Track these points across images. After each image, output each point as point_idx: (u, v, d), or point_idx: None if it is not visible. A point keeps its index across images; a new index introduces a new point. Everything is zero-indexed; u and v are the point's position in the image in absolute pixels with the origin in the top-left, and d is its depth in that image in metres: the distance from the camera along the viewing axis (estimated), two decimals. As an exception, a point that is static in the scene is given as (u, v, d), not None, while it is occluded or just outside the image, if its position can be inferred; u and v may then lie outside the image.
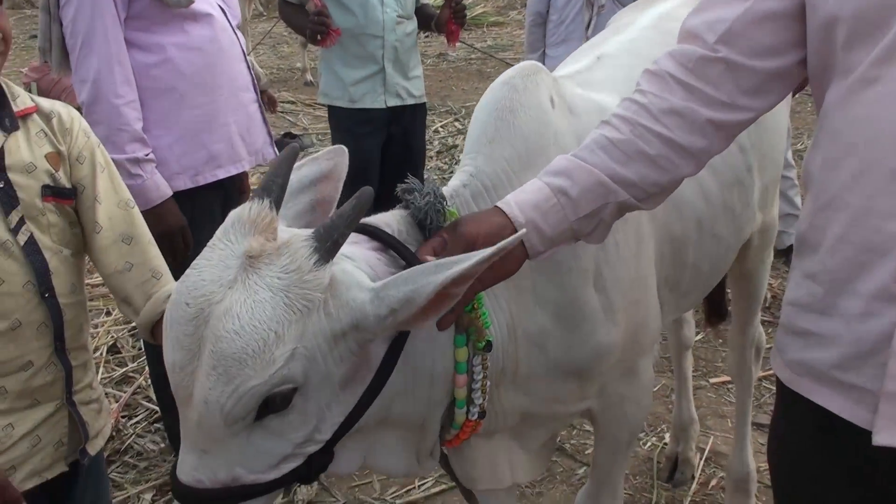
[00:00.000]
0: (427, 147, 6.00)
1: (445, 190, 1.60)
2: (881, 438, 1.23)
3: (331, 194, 1.58)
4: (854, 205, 1.27)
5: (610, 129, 1.47)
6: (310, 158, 1.62)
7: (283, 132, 6.83)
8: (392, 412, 1.52)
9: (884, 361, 1.23)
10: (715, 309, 3.00)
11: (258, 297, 1.22)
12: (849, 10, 1.24)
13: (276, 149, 2.92)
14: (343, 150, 1.60)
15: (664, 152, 1.43)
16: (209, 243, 1.32)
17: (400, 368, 1.43)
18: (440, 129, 6.80)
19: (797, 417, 1.42)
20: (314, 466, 1.38)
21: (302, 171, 1.57)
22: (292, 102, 8.04)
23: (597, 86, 1.95)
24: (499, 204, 1.45)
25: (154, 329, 1.80)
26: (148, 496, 3.03)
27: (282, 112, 7.28)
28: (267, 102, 6.07)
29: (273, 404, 1.26)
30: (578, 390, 1.81)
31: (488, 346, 1.54)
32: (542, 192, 1.44)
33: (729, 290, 2.91)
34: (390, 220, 1.53)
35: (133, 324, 2.59)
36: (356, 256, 1.40)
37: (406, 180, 1.52)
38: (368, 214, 1.47)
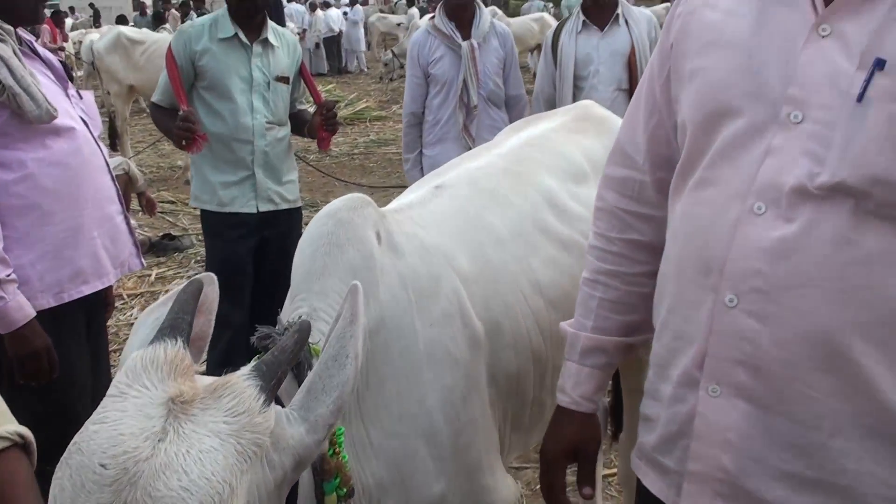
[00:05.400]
0: (309, 245, 6.01)
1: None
2: None
3: (203, 329, 1.44)
4: (672, 294, 1.39)
5: (604, 289, 1.61)
6: (175, 292, 1.49)
7: (161, 234, 6.69)
8: None
9: (688, 444, 1.32)
10: (617, 423, 3.00)
11: (204, 445, 1.07)
12: (690, 116, 1.35)
13: (142, 259, 2.86)
14: (212, 278, 1.47)
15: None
16: (114, 391, 1.13)
17: None
18: (323, 227, 6.78)
19: (643, 502, 1.49)
20: None
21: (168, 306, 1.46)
22: (172, 202, 7.89)
23: (428, 221, 1.93)
24: (564, 406, 1.61)
25: None
26: None
27: (161, 213, 7.15)
28: (146, 205, 6.07)
29: None
30: None
31: (351, 492, 1.48)
32: (594, 374, 1.62)
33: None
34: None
35: None
36: None
37: (257, 329, 1.49)
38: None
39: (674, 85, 1.41)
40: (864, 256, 1.16)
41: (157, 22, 14.98)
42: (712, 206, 1.29)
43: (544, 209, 2.16)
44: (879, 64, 1.13)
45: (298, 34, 17.98)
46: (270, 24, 3.63)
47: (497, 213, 2.05)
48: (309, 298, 1.61)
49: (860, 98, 1.14)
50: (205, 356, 1.56)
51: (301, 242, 1.73)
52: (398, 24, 20.75)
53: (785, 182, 1.20)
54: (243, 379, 1.15)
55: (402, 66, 15.09)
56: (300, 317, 1.56)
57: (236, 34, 3.50)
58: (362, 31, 20.48)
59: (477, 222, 2.00)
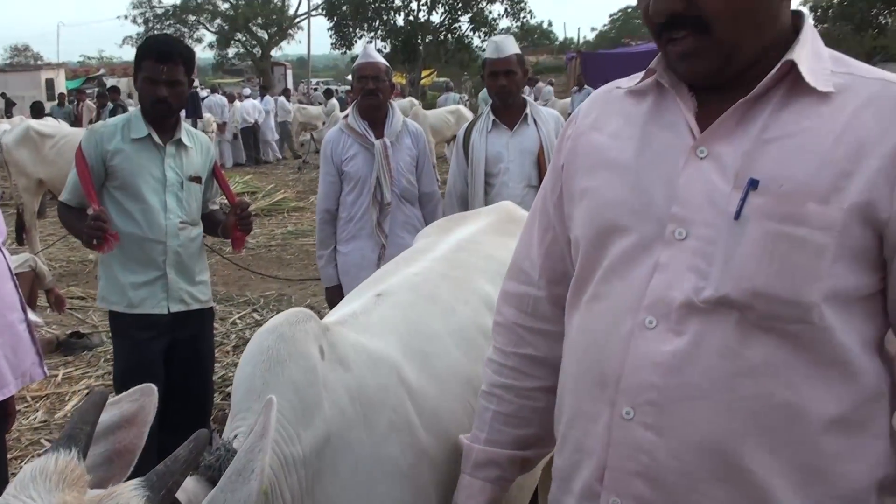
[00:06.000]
0: (223, 342, 5.92)
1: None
2: None
3: (133, 442, 1.40)
4: (571, 407, 1.42)
5: (498, 402, 1.64)
6: (110, 402, 1.46)
7: (70, 331, 6.50)
8: None
9: None
10: None
11: None
12: (582, 233, 1.41)
13: (44, 369, 2.78)
14: (151, 389, 1.44)
15: (551, 399, 1.55)
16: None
17: None
18: (238, 322, 6.65)
19: None
20: None
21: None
22: (82, 298, 7.67)
23: (373, 330, 1.94)
24: None
25: None
26: None
27: (70, 309, 6.95)
28: (54, 302, 5.91)
29: None
30: None
31: None
32: (486, 487, 1.63)
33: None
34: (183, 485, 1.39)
35: None
36: None
37: None
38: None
39: (566, 203, 1.48)
40: (750, 367, 1.21)
41: (36, 115, 14.54)
42: (606, 321, 1.34)
43: (486, 315, 2.18)
44: (753, 184, 1.22)
45: (217, 125, 17.98)
46: (183, 124, 3.65)
47: (441, 320, 2.07)
48: (248, 417, 1.57)
49: (737, 216, 1.22)
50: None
51: (242, 360, 1.70)
52: (322, 105, 21.01)
53: (673, 297, 1.26)
54: (130, 489, 1.12)
55: (317, 151, 15.21)
56: (235, 436, 1.53)
57: (150, 135, 3.50)
58: (272, 120, 20.64)
59: (422, 330, 2.01)
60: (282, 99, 21.89)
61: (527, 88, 23.12)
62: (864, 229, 1.19)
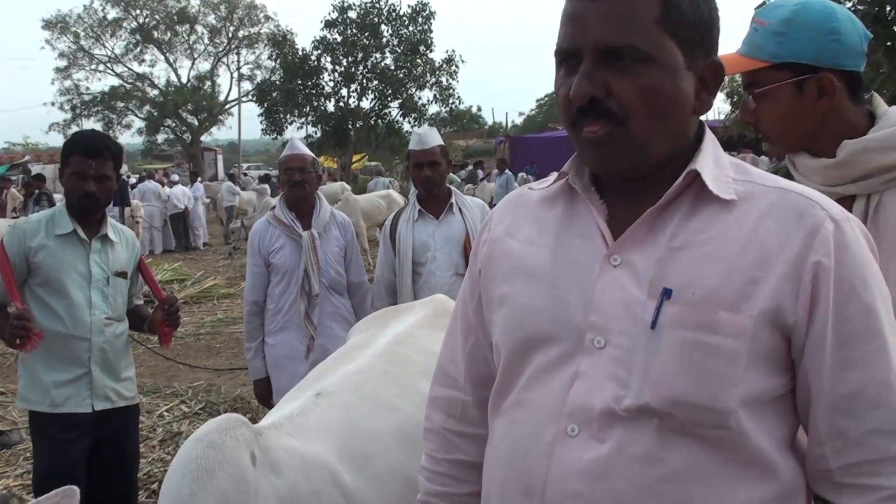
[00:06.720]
0: (150, 436, 5.78)
1: None
2: None
3: None
4: None
5: None
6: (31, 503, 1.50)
7: (-12, 428, 6.28)
8: None
9: None
10: None
11: None
12: (502, 340, 1.42)
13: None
14: (73, 491, 1.45)
15: None
16: None
17: None
18: (165, 415, 6.49)
19: None
20: None
21: None
22: (2, 393, 7.42)
23: (310, 432, 1.93)
24: None
25: None
26: None
27: (-12, 405, 6.73)
28: (-30, 398, 5.71)
29: None
30: None
31: None
32: None
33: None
34: None
35: None
36: None
37: None
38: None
39: (485, 309, 1.50)
40: (672, 473, 1.24)
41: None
42: (529, 428, 1.34)
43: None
44: (667, 293, 1.25)
45: (139, 220, 17.53)
46: (109, 220, 3.65)
47: (381, 419, 2.06)
48: None
49: (653, 325, 1.25)
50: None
51: (170, 468, 1.69)
52: (256, 183, 20.87)
53: (594, 405, 1.27)
54: None
55: (247, 238, 15.04)
56: None
57: (75, 230, 3.49)
58: (202, 206, 20.50)
59: (361, 430, 2.00)
60: (228, 183, 21.76)
61: (479, 173, 23.52)
62: (773, 334, 1.24)
